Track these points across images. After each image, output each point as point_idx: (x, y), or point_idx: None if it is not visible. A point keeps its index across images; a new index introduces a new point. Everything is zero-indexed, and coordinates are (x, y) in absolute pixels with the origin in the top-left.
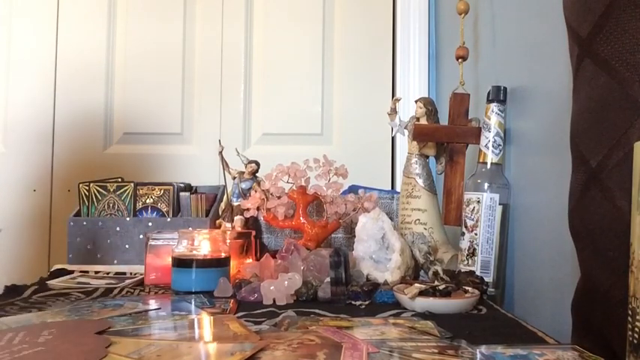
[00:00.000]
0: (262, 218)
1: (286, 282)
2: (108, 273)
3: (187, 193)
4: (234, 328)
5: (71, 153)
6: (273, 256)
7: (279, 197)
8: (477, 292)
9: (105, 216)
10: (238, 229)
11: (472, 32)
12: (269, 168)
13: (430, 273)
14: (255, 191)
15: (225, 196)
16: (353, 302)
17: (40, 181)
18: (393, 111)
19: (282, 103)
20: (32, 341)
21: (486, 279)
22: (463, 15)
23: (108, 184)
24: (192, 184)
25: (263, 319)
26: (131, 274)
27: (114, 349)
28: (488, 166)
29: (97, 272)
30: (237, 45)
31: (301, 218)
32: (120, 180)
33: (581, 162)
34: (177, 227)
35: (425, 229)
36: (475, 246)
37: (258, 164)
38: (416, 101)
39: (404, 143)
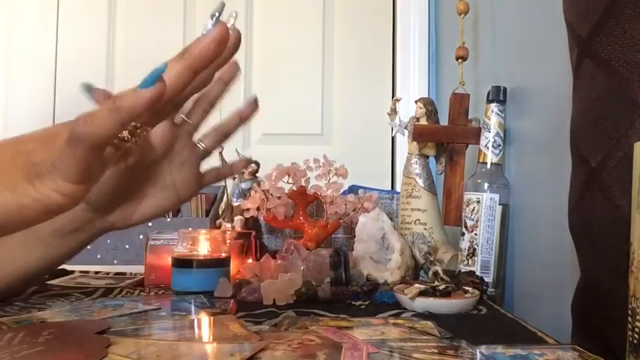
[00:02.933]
0: (262, 218)
1: (286, 282)
2: (108, 273)
3: None
4: (234, 328)
5: None
6: (273, 256)
7: (279, 197)
8: (476, 292)
9: None
10: (238, 229)
11: (472, 32)
12: (269, 168)
13: (430, 273)
14: (255, 191)
15: (225, 197)
16: (353, 302)
17: None
18: (393, 111)
19: (282, 103)
20: (32, 341)
21: (486, 279)
22: (463, 15)
23: None
24: None
25: (263, 319)
26: (131, 274)
27: (114, 349)
28: (488, 166)
29: (97, 272)
30: None
31: (301, 218)
32: None
33: (581, 162)
34: (177, 227)
35: (425, 229)
36: (475, 246)
37: (258, 164)
38: (416, 101)
39: (404, 143)
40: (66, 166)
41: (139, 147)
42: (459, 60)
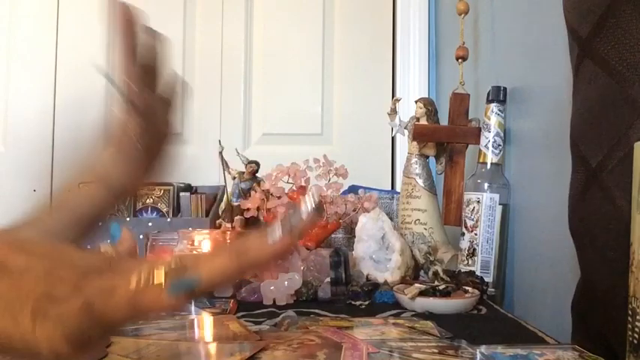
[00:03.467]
0: (262, 218)
1: (286, 282)
2: None
3: (187, 193)
4: (234, 328)
5: (71, 153)
6: None
7: (279, 197)
8: (477, 292)
9: None
10: (238, 229)
11: (472, 32)
12: (269, 168)
13: (430, 273)
14: (255, 191)
15: (225, 197)
16: (353, 302)
17: (40, 181)
18: (393, 111)
19: (282, 103)
20: None
21: (486, 279)
22: (463, 15)
23: None
24: (192, 184)
25: (263, 319)
26: None
27: (114, 349)
28: (488, 166)
29: None
30: (237, 45)
31: None
32: None
33: (581, 162)
34: (177, 227)
35: (425, 229)
36: (475, 246)
37: (258, 164)
38: (416, 101)
39: (404, 143)
40: (77, 328)
41: None
42: (459, 60)
